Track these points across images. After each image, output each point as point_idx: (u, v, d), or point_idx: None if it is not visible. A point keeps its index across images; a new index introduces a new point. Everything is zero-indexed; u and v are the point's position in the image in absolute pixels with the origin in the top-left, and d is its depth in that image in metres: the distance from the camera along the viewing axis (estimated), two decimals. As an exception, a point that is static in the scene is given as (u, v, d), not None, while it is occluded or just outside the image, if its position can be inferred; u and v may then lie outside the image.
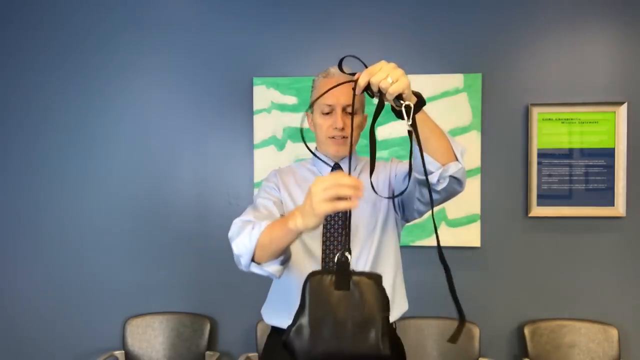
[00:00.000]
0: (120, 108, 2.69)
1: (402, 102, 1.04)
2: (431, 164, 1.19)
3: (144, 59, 2.68)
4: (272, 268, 1.20)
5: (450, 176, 1.20)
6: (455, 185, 1.24)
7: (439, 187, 1.23)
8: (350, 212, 1.14)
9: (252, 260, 1.21)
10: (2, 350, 2.73)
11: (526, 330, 2.48)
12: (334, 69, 1.45)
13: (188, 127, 2.65)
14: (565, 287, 2.53)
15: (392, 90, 1.04)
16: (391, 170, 1.50)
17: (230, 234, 1.26)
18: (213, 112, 2.63)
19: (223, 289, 2.64)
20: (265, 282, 1.47)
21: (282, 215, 1.35)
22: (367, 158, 1.60)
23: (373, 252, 1.42)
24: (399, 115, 1.08)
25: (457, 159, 1.20)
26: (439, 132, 1.18)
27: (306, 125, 1.57)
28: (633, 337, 2.50)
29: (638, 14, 2.50)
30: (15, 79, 2.72)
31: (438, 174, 1.19)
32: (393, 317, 1.42)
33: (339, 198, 1.01)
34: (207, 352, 2.58)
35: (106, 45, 2.69)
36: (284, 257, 1.22)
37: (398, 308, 1.45)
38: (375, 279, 1.05)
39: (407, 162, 1.36)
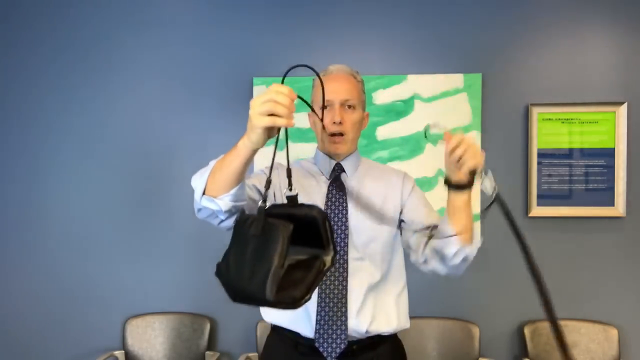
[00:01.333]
0: (120, 108, 2.69)
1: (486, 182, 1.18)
2: (450, 228, 1.27)
3: (143, 59, 2.68)
4: (222, 202, 1.17)
5: (465, 257, 1.29)
6: (462, 267, 1.33)
7: (451, 262, 1.29)
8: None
9: (204, 194, 1.19)
10: (2, 350, 2.73)
11: (526, 330, 2.48)
12: (333, 67, 1.46)
13: (188, 127, 2.65)
14: (565, 287, 2.53)
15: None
16: (403, 193, 1.47)
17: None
18: (213, 112, 2.63)
19: (223, 289, 2.63)
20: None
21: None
22: (370, 160, 1.60)
23: (376, 259, 1.40)
24: (457, 187, 1.21)
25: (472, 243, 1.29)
26: (471, 212, 1.27)
27: (308, 125, 1.56)
28: (633, 337, 2.50)
29: (638, 14, 2.50)
30: (15, 78, 2.72)
31: (457, 248, 1.27)
32: (392, 329, 1.42)
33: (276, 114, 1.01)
34: (207, 352, 2.58)
35: (106, 45, 2.69)
36: (236, 192, 1.17)
37: (400, 324, 1.44)
38: (286, 227, 1.04)
39: (421, 197, 1.46)
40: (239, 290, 1.07)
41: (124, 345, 2.61)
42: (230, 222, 1.23)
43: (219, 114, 2.63)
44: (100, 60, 2.69)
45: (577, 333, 2.47)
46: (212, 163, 1.19)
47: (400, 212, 1.46)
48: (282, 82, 1.06)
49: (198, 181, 1.20)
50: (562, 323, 2.58)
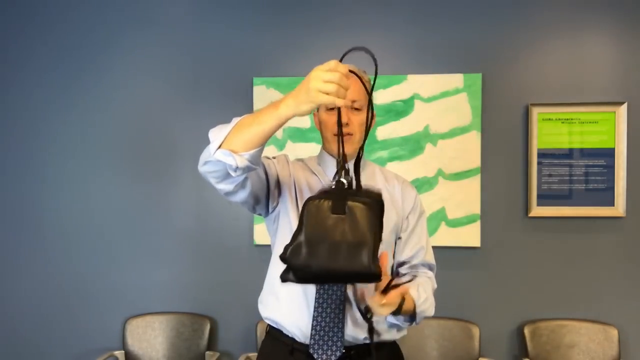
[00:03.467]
0: (119, 108, 2.69)
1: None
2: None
3: (143, 59, 2.68)
4: (240, 159, 1.14)
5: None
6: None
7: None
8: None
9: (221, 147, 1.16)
10: (3, 350, 2.73)
11: (526, 330, 2.48)
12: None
13: (188, 127, 2.64)
14: (565, 287, 2.53)
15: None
16: (405, 206, 1.47)
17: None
18: (213, 112, 2.63)
19: (223, 289, 2.64)
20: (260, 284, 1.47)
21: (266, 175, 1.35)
22: (376, 165, 1.56)
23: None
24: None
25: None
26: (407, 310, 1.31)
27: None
28: (633, 337, 2.50)
29: (638, 14, 2.50)
30: (14, 77, 2.72)
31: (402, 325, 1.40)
32: (391, 336, 1.41)
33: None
34: (207, 352, 2.58)
35: (106, 45, 2.69)
36: (256, 152, 1.15)
37: (403, 331, 1.44)
38: (369, 204, 1.11)
39: (419, 220, 1.48)
40: (328, 269, 1.09)
41: (124, 345, 2.61)
42: (230, 186, 1.22)
43: (219, 114, 2.62)
44: (100, 60, 2.69)
45: (577, 333, 2.46)
46: (236, 120, 1.18)
47: (400, 226, 1.45)
48: (341, 61, 1.09)
49: (217, 134, 1.18)
50: (562, 323, 2.59)
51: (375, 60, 1.16)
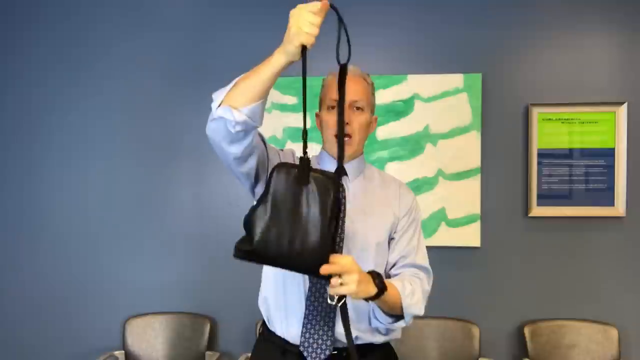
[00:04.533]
0: (120, 108, 2.69)
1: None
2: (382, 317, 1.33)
3: (143, 59, 2.68)
4: (238, 113, 1.18)
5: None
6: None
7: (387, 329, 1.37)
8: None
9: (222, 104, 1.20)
10: (2, 350, 2.73)
11: (526, 330, 2.48)
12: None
13: (188, 127, 2.64)
14: (565, 287, 2.53)
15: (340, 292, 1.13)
16: (400, 209, 1.44)
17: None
18: (213, 112, 2.63)
19: (223, 289, 2.64)
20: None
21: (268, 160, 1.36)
22: (374, 168, 1.54)
23: (370, 267, 1.34)
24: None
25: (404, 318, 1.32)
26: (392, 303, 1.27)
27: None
28: (633, 337, 2.50)
29: (638, 14, 2.50)
30: (14, 77, 2.72)
31: (387, 326, 1.35)
32: (383, 339, 1.40)
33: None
34: (207, 352, 2.58)
35: (106, 45, 2.69)
36: (255, 107, 1.18)
37: (392, 334, 1.42)
38: (332, 178, 1.14)
39: (414, 220, 1.45)
40: (283, 238, 1.09)
41: (124, 345, 2.61)
42: (240, 148, 1.23)
43: (219, 114, 2.62)
44: (100, 59, 2.69)
45: (577, 333, 2.46)
46: (237, 78, 1.21)
47: (395, 230, 1.43)
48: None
49: (219, 93, 1.21)
50: (562, 323, 2.59)
51: (339, 16, 1.22)
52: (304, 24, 1.09)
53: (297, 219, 1.09)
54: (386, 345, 1.45)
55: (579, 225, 2.51)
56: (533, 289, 2.54)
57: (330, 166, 1.43)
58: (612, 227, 2.50)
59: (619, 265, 2.51)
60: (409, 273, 1.39)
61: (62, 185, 2.71)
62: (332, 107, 1.38)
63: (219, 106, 1.20)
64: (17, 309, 2.73)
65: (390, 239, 1.43)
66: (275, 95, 2.55)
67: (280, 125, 2.57)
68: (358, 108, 1.39)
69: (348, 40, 1.21)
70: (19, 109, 2.72)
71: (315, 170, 1.14)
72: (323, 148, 1.48)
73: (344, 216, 1.31)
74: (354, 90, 1.37)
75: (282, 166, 1.16)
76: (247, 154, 1.26)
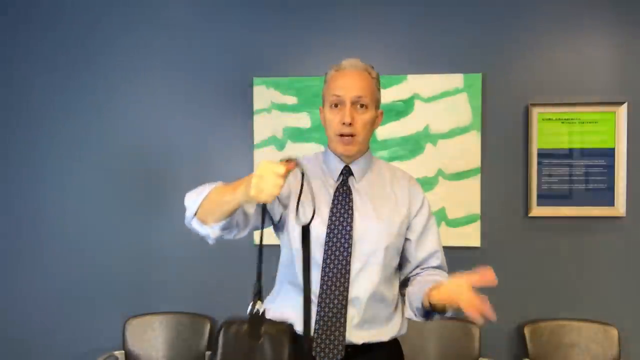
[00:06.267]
0: (120, 108, 2.69)
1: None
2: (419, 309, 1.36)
3: (143, 59, 2.68)
4: (210, 230, 1.23)
5: None
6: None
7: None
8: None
9: (196, 216, 1.24)
10: (2, 350, 2.73)
11: (526, 330, 2.48)
12: (346, 61, 1.39)
13: (188, 127, 2.64)
14: (565, 287, 2.53)
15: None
16: (411, 208, 1.43)
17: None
18: (213, 112, 2.63)
19: (223, 289, 2.64)
20: (266, 283, 1.47)
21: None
22: (382, 161, 1.53)
23: (379, 270, 1.36)
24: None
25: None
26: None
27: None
28: (633, 337, 2.50)
29: (638, 14, 2.50)
30: (15, 78, 2.72)
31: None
32: (389, 337, 1.40)
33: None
34: (207, 352, 2.58)
35: (106, 45, 2.69)
36: (226, 223, 1.22)
37: (398, 327, 1.43)
38: (284, 330, 1.13)
39: (430, 222, 1.45)
40: None
41: (124, 345, 2.61)
42: (229, 235, 1.28)
43: (219, 114, 2.62)
44: (99, 60, 2.69)
45: (577, 333, 2.46)
46: (208, 189, 1.23)
47: (408, 227, 1.42)
48: None
49: (192, 202, 1.23)
50: (562, 323, 2.58)
51: (304, 174, 1.19)
52: (267, 185, 1.07)
53: None
54: (395, 341, 1.44)
55: (579, 225, 2.51)
56: (533, 289, 2.54)
57: (335, 165, 1.42)
58: (612, 227, 2.50)
59: (619, 265, 2.51)
60: (442, 275, 1.42)
61: (62, 185, 2.70)
62: (335, 104, 1.37)
63: (193, 216, 1.24)
64: (17, 309, 2.73)
65: (406, 239, 1.42)
66: (275, 95, 2.55)
67: (280, 125, 2.57)
68: (362, 105, 1.35)
69: (313, 200, 1.20)
70: (17, 111, 2.72)
71: (269, 322, 1.14)
72: (328, 146, 1.45)
73: (352, 221, 1.32)
74: (357, 87, 1.34)
75: (231, 323, 1.18)
76: (237, 233, 1.31)
